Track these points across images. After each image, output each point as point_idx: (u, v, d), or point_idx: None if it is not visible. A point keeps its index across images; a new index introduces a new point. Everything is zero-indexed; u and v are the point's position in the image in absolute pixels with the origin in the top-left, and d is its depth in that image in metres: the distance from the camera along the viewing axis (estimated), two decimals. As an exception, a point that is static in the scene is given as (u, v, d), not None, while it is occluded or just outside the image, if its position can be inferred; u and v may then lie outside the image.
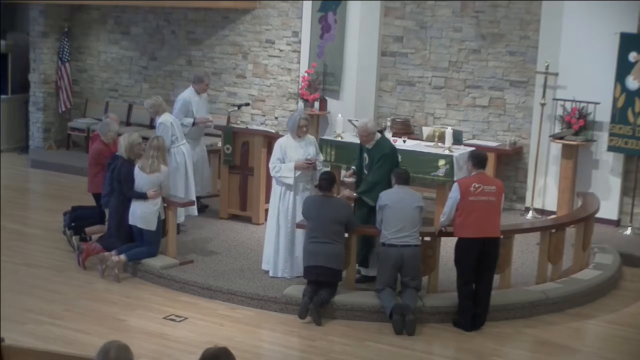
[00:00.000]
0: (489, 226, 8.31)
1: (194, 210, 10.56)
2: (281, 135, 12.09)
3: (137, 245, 9.58)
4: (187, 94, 11.26)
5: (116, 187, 9.68)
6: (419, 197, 8.65)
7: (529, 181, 12.17)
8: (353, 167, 9.39)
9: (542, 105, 11.79)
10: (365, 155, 9.17)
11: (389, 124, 11.60)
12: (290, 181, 9.17)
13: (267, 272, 9.35)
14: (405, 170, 8.88)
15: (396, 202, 8.48)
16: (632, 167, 11.56)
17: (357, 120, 11.87)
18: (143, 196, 9.44)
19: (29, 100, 15.87)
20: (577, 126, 11.45)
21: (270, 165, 9.37)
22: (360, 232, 9.07)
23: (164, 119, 10.67)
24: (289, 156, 9.22)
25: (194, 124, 11.05)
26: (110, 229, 9.83)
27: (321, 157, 9.62)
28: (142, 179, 9.49)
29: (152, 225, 9.48)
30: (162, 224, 9.62)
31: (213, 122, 11.59)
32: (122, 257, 9.44)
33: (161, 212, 9.56)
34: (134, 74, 15.49)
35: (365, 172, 9.14)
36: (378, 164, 8.97)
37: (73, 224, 10.39)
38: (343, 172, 10.51)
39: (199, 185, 11.13)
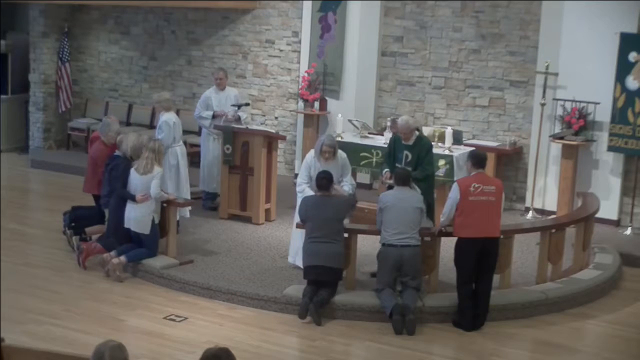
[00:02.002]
0: (488, 226, 8.31)
1: (185, 212, 10.58)
2: (282, 136, 12.18)
3: (136, 246, 9.58)
4: (209, 89, 11.93)
5: (114, 187, 9.69)
6: (420, 199, 8.64)
7: (529, 181, 12.17)
8: (387, 170, 9.25)
9: (542, 105, 11.79)
10: (407, 152, 9.14)
11: (389, 124, 11.59)
12: None
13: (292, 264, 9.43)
14: (405, 171, 8.86)
15: (396, 203, 8.48)
16: (632, 167, 11.56)
17: (357, 121, 11.91)
18: (132, 198, 9.46)
19: (29, 100, 15.87)
20: (577, 126, 11.45)
21: (298, 181, 9.35)
22: (361, 233, 9.10)
23: (168, 117, 10.70)
24: (313, 178, 9.04)
25: (213, 117, 11.54)
26: (109, 229, 9.83)
27: (348, 179, 9.21)
28: (136, 179, 9.50)
29: (146, 229, 9.47)
30: (158, 226, 9.60)
31: (228, 115, 11.58)
32: (122, 258, 9.44)
33: (155, 215, 9.54)
34: (134, 74, 15.49)
35: (409, 169, 9.04)
36: (427, 158, 9.12)
37: (73, 224, 10.39)
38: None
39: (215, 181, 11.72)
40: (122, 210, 9.60)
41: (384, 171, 9.33)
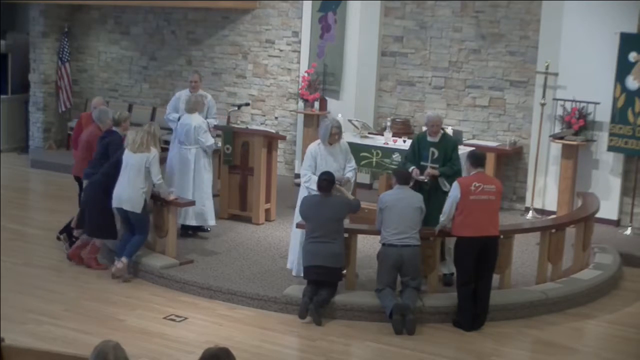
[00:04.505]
0: (488, 225, 8.31)
1: (212, 219, 10.49)
2: (282, 136, 12.18)
3: (127, 239, 9.50)
4: (182, 91, 11.27)
5: (104, 171, 9.58)
6: (420, 198, 8.64)
7: (529, 181, 12.18)
8: (413, 167, 9.12)
9: (542, 105, 11.79)
10: (433, 149, 9.09)
11: (389, 124, 11.59)
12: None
13: (291, 270, 9.35)
14: (405, 170, 8.87)
15: (396, 202, 8.49)
16: (632, 167, 11.56)
17: (357, 121, 11.90)
18: (115, 169, 9.39)
19: (29, 100, 15.88)
20: (577, 126, 11.46)
21: (302, 172, 9.28)
22: (361, 233, 9.10)
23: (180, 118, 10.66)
24: (319, 165, 9.04)
25: (179, 119, 10.78)
26: (89, 217, 9.67)
27: (352, 165, 9.31)
28: (128, 156, 9.32)
29: (137, 208, 9.31)
30: (148, 206, 9.50)
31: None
32: (124, 260, 9.40)
33: (147, 195, 9.39)
34: (134, 74, 15.50)
35: (436, 166, 9.03)
36: (455, 154, 9.13)
37: (63, 230, 10.39)
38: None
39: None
40: (100, 202, 9.46)
41: (410, 168, 9.15)
